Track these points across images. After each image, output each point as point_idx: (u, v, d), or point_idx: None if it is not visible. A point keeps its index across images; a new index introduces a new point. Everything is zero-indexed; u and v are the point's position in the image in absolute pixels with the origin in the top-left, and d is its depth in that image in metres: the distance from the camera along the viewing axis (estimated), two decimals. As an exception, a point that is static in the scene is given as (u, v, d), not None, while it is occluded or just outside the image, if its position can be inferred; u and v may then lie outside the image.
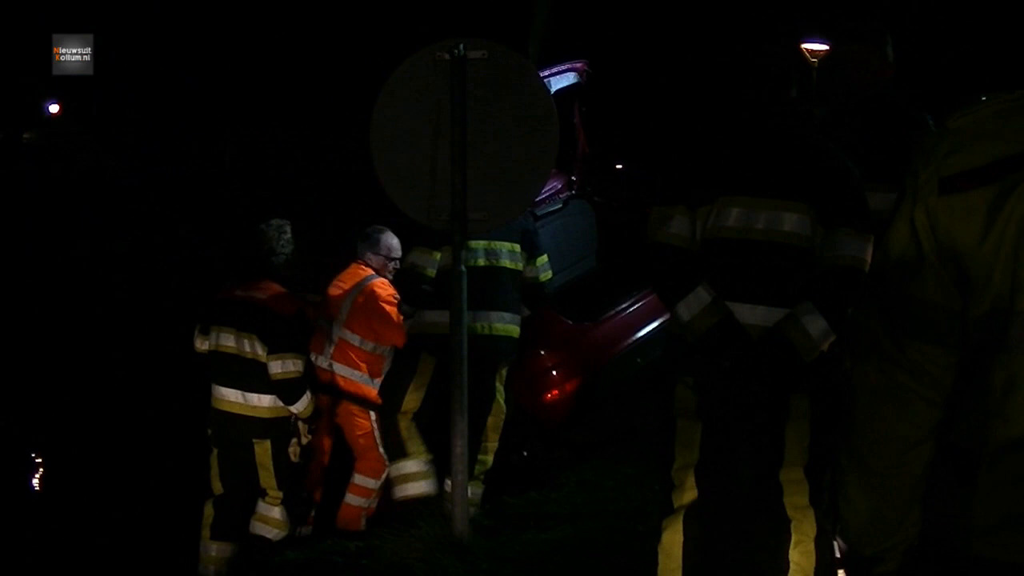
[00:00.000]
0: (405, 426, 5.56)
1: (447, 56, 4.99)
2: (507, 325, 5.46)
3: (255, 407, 5.34)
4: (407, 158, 5.01)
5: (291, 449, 5.51)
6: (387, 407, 5.59)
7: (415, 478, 5.57)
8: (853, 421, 2.85)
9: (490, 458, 5.49)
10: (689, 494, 3.59)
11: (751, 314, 3.49)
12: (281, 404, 5.36)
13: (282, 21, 23.37)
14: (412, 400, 5.54)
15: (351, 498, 5.74)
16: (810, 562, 3.54)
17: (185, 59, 24.17)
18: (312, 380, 5.52)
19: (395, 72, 5.17)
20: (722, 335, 3.47)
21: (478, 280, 5.22)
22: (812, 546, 3.54)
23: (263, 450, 5.37)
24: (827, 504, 3.59)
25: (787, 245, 3.50)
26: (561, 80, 6.96)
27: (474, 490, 5.35)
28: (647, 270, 3.74)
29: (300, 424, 5.55)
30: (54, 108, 27.20)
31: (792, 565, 3.55)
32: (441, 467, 5.46)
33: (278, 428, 5.42)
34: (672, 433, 3.64)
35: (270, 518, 5.47)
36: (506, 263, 5.48)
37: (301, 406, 5.36)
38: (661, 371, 3.76)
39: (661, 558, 3.63)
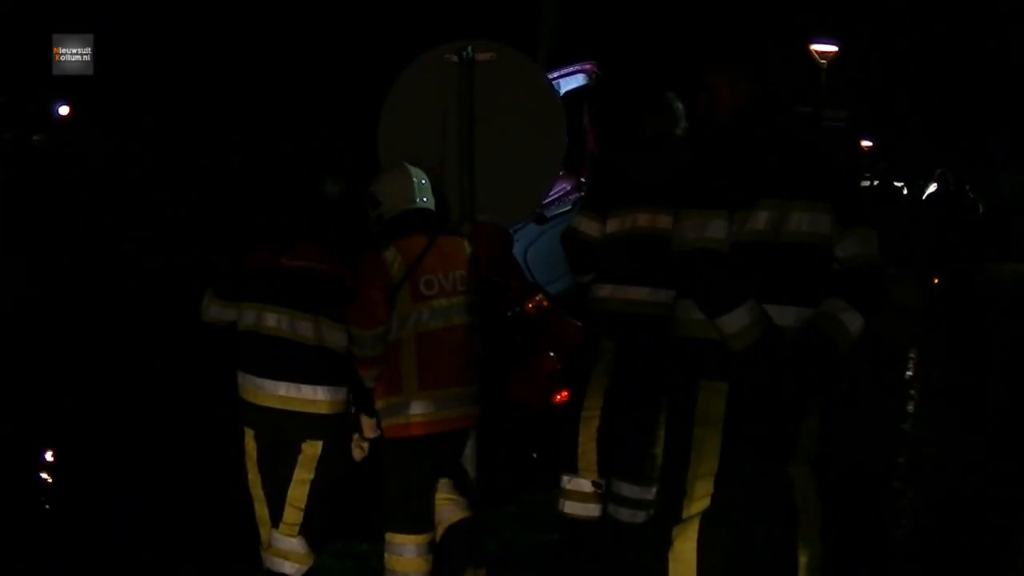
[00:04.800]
0: (586, 434, 4.92)
1: (455, 58, 5.01)
2: None
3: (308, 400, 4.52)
4: (415, 159, 5.00)
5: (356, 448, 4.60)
6: (573, 404, 5.04)
7: (579, 498, 5.00)
8: None
9: None
10: (700, 503, 3.56)
11: (783, 315, 3.49)
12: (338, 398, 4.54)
13: (290, 21, 23.37)
14: (593, 398, 4.93)
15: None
16: (817, 554, 3.57)
17: (187, 59, 24.16)
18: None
19: (403, 74, 5.20)
20: (773, 343, 3.45)
21: None
22: (818, 539, 3.57)
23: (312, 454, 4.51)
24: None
25: (811, 245, 3.53)
26: (570, 81, 6.98)
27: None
28: (686, 276, 3.59)
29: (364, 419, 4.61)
30: (64, 110, 27.19)
31: (800, 559, 3.56)
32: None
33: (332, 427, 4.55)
34: (688, 441, 3.58)
35: (290, 552, 4.55)
36: None
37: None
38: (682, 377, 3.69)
39: (672, 565, 3.60)
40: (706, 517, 3.56)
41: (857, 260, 3.52)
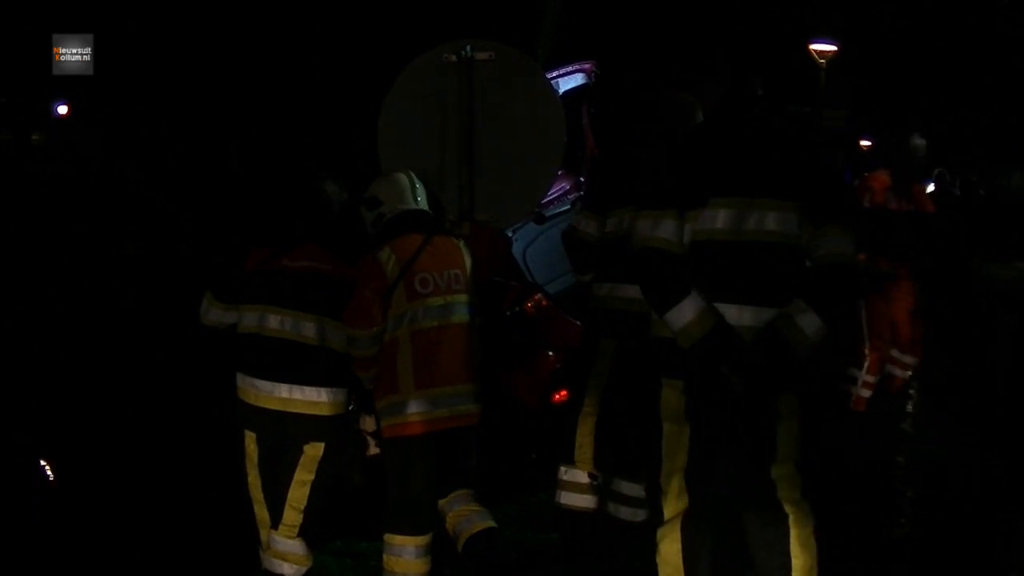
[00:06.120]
0: (584, 428, 5.00)
1: (454, 58, 5.03)
2: None
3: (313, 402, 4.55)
4: (414, 159, 5.02)
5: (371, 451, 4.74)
6: (574, 401, 5.11)
7: (575, 489, 5.06)
8: None
9: None
10: (679, 502, 3.58)
11: (741, 315, 3.48)
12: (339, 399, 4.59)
13: (290, 20, 23.37)
14: (592, 395, 4.98)
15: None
16: (811, 554, 3.57)
17: (188, 59, 24.16)
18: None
19: (402, 73, 5.21)
20: (717, 341, 3.45)
21: None
22: (812, 539, 3.57)
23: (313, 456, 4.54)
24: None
25: (777, 244, 3.50)
26: (569, 81, 6.98)
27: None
28: (636, 276, 3.69)
29: (365, 418, 4.75)
30: (63, 109, 27.14)
31: (794, 560, 3.56)
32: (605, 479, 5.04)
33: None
34: (658, 438, 3.63)
35: (288, 554, 4.59)
36: None
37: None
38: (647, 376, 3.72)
39: (661, 568, 3.62)
40: (687, 519, 3.58)
41: (827, 259, 3.48)
